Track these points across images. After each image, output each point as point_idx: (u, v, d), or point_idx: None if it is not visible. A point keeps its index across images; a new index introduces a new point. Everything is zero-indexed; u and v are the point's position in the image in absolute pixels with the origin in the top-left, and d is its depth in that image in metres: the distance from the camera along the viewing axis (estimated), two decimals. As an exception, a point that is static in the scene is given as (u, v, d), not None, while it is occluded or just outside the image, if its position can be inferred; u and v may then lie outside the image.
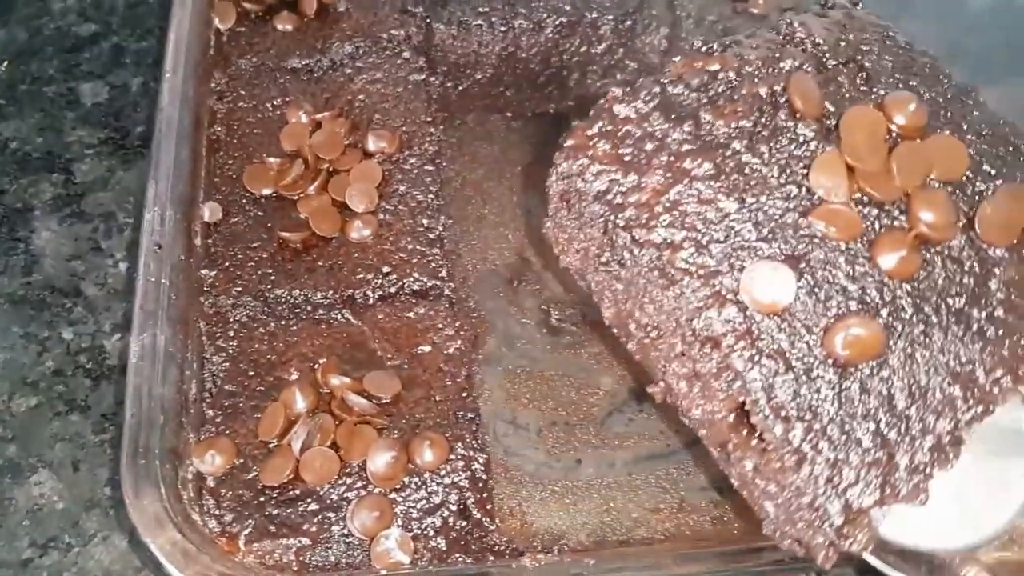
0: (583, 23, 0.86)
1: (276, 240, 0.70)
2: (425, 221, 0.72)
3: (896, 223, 0.55)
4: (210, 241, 0.70)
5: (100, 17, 0.99)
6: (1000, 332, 0.55)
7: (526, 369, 0.77)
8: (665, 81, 0.59)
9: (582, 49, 0.87)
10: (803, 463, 0.52)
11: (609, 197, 0.58)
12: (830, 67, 0.61)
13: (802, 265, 0.54)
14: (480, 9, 0.85)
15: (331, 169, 0.73)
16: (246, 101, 0.79)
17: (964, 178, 0.57)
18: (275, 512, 0.59)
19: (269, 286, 0.68)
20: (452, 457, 0.62)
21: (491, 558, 0.59)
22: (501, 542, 0.61)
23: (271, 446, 0.61)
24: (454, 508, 0.60)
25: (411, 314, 0.68)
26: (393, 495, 0.60)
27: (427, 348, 0.67)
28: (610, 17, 0.86)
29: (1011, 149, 0.61)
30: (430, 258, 0.71)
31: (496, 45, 0.86)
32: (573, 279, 0.65)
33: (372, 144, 0.75)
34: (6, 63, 0.92)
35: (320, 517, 0.59)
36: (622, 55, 0.88)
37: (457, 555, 0.59)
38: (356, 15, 0.84)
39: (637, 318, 0.60)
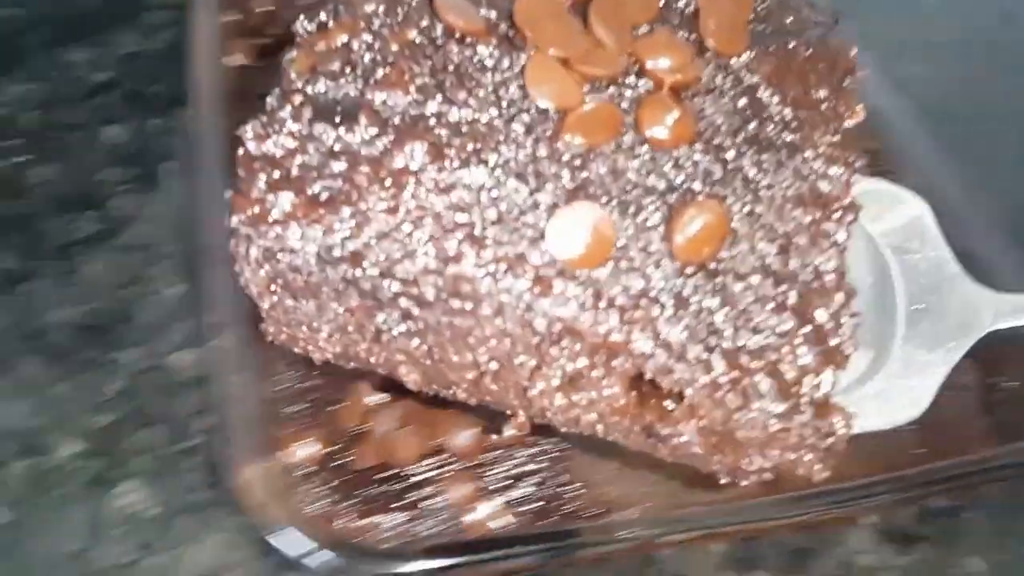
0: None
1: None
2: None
3: (644, 90, 0.47)
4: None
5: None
6: (803, 135, 0.48)
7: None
8: (300, 85, 0.47)
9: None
10: (746, 391, 0.44)
11: (335, 252, 0.45)
12: None
13: (592, 190, 0.45)
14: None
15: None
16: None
17: (659, 9, 0.51)
18: (372, 493, 0.61)
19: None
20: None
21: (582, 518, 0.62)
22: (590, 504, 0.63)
23: (357, 432, 0.63)
24: (537, 478, 0.63)
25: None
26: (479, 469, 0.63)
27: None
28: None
29: None
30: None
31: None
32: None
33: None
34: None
35: (414, 494, 0.61)
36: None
37: (551, 517, 0.62)
38: None
39: (459, 363, 0.48)
